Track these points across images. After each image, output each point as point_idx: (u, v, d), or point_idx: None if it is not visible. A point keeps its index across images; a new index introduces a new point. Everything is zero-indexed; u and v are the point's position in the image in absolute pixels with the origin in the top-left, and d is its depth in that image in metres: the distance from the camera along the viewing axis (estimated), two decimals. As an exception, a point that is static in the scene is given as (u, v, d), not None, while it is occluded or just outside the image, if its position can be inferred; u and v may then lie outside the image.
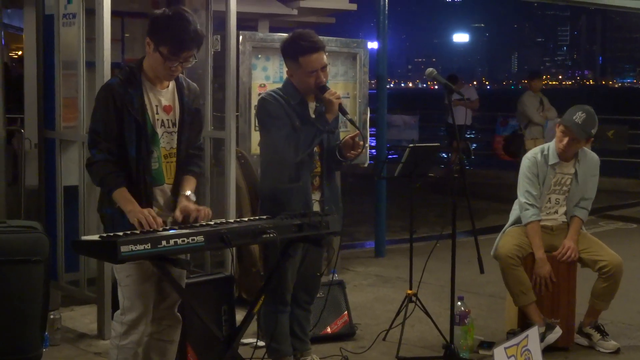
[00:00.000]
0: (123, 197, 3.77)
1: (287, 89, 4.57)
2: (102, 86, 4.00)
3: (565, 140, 5.49)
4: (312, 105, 4.59)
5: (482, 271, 4.83)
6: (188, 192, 3.95)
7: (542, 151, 5.65)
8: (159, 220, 3.72)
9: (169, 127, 3.96)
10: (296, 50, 4.47)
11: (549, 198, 5.65)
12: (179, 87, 4.02)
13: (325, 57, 4.53)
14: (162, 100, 3.95)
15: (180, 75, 4.04)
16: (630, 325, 6.13)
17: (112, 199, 3.82)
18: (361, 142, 4.51)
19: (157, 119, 3.92)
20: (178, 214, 3.89)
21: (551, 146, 5.64)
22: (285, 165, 4.46)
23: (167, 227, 3.74)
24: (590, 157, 5.73)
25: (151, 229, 3.63)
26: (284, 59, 4.63)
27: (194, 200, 3.96)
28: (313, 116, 4.56)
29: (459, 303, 5.39)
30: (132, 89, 3.84)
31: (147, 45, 3.85)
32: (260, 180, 4.84)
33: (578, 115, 5.46)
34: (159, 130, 3.93)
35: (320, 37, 4.61)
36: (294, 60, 4.48)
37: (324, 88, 4.52)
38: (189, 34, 3.80)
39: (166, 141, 3.96)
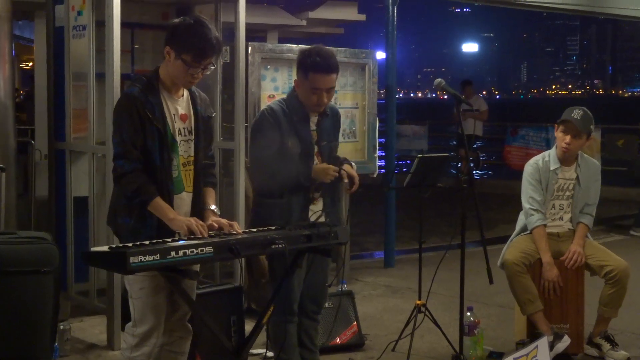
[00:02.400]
0: (161, 207, 3.79)
1: (291, 102, 4.56)
2: (122, 96, 4.02)
3: (568, 138, 5.54)
4: (313, 119, 4.60)
5: (491, 281, 4.82)
6: (213, 206, 4.03)
7: (543, 158, 5.70)
8: (205, 226, 3.78)
9: (185, 135, 3.99)
10: (308, 65, 4.45)
11: (553, 204, 5.68)
12: (192, 96, 4.05)
13: (335, 79, 4.50)
14: (179, 108, 3.98)
15: None
16: (640, 336, 6.12)
17: (130, 208, 3.84)
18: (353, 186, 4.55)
19: (176, 127, 3.95)
20: (213, 224, 3.92)
21: (551, 152, 5.69)
22: (268, 179, 4.49)
23: (177, 238, 3.75)
24: (591, 162, 5.80)
25: (200, 236, 3.69)
26: (296, 68, 4.62)
27: (219, 214, 4.03)
28: (314, 127, 4.59)
29: (469, 313, 5.38)
30: (152, 97, 3.86)
31: (167, 54, 3.87)
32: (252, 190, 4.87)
33: (575, 112, 5.57)
34: (178, 139, 3.96)
35: (329, 48, 4.61)
36: (304, 73, 4.49)
37: (343, 161, 4.63)
38: (210, 41, 3.83)
39: (184, 149, 3.99)
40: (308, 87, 4.46)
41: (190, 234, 3.71)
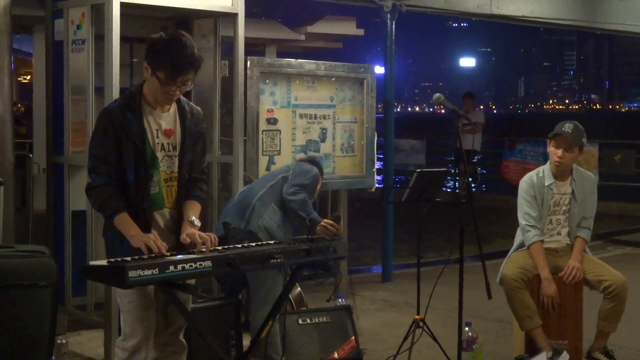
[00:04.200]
0: (124, 222, 3.77)
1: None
2: (101, 110, 4.00)
3: (560, 151, 5.54)
4: None
5: (489, 296, 4.82)
6: (192, 218, 3.94)
7: (538, 173, 5.70)
8: (164, 244, 3.72)
9: (169, 150, 3.96)
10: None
11: (550, 219, 5.67)
12: (181, 110, 4.01)
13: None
14: (163, 124, 3.95)
15: (183, 98, 4.04)
16: (639, 352, 6.09)
17: (111, 224, 3.83)
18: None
19: (157, 143, 3.91)
20: (185, 238, 3.86)
21: (545, 168, 5.69)
22: None
23: (170, 252, 3.73)
24: (587, 176, 5.80)
25: (158, 254, 3.63)
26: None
27: (199, 226, 3.94)
28: None
29: (467, 328, 5.37)
30: (130, 112, 3.85)
31: (145, 70, 3.87)
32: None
33: (566, 126, 5.56)
34: (159, 154, 3.92)
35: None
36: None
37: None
38: (185, 58, 3.80)
39: (166, 165, 3.95)
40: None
41: (149, 252, 3.65)
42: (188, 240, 3.84)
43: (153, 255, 3.62)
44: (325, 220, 4.92)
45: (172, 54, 3.78)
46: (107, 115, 3.85)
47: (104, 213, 3.82)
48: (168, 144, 3.96)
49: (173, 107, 4.00)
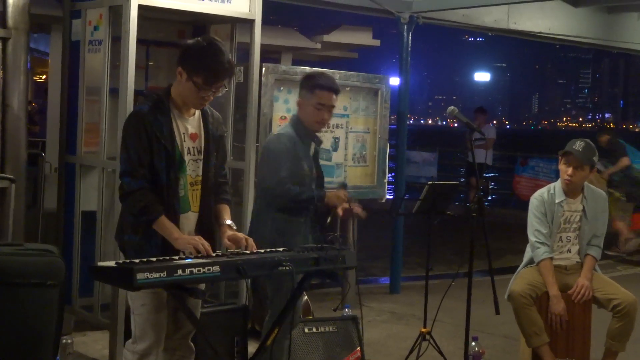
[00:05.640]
0: (166, 226, 3.79)
1: (298, 129, 4.76)
2: (131, 113, 4.01)
3: (570, 170, 5.52)
4: (312, 147, 4.82)
5: (497, 312, 4.79)
6: (229, 221, 4.03)
7: (549, 190, 5.68)
8: (210, 247, 3.76)
9: (194, 154, 3.98)
10: (315, 83, 4.72)
11: (560, 237, 5.65)
12: (204, 115, 4.04)
13: (336, 99, 4.80)
14: (189, 127, 3.97)
15: None
16: (646, 373, 6.06)
17: (136, 226, 3.83)
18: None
19: (185, 147, 3.94)
20: (227, 242, 3.93)
21: (557, 185, 5.67)
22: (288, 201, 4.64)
23: (184, 256, 3.74)
24: (598, 193, 5.78)
25: (205, 254, 3.68)
26: (300, 89, 4.85)
27: (235, 228, 4.03)
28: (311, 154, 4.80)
29: (473, 343, 5.34)
30: (161, 116, 3.85)
31: (178, 75, 3.87)
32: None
33: (577, 144, 5.54)
34: (186, 158, 3.94)
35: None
36: (310, 90, 4.71)
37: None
38: (223, 65, 3.83)
39: (192, 169, 3.97)
40: (314, 103, 4.69)
41: (197, 253, 3.70)
42: (229, 243, 3.92)
43: (198, 255, 3.67)
44: (330, 192, 4.82)
45: (211, 60, 3.81)
46: (139, 118, 3.85)
47: (144, 217, 3.80)
48: (193, 147, 3.98)
49: (197, 112, 4.02)
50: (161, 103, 3.90)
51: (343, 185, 4.95)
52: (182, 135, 3.94)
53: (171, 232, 3.78)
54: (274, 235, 4.57)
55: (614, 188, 11.05)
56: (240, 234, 3.99)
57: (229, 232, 3.97)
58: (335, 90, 4.78)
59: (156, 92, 4.00)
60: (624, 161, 10.93)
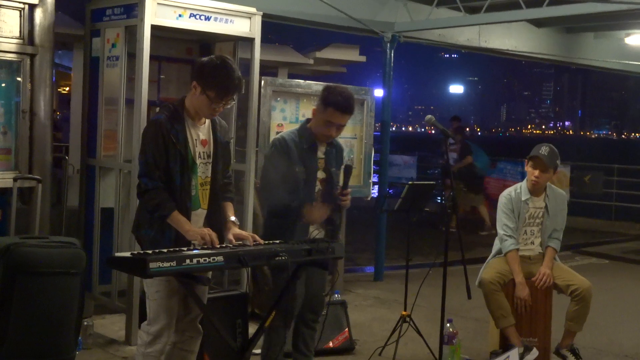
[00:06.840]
0: (179, 220, 3.80)
1: (303, 132, 4.54)
2: (150, 121, 4.02)
3: (536, 172, 5.55)
4: (322, 149, 4.57)
5: (469, 297, 4.81)
6: (233, 218, 4.05)
7: (515, 189, 5.72)
8: (217, 237, 3.78)
9: (204, 158, 4.01)
10: (331, 101, 4.42)
11: (525, 230, 5.67)
12: (213, 123, 4.07)
13: (348, 119, 4.50)
14: (200, 135, 4.00)
15: None
16: (600, 351, 6.10)
17: (152, 222, 3.85)
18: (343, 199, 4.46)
19: (197, 152, 3.96)
20: (232, 238, 3.94)
21: (522, 185, 5.70)
22: (276, 202, 4.41)
23: (192, 248, 3.74)
24: (558, 192, 5.81)
25: (211, 245, 3.70)
26: (319, 99, 4.53)
27: (238, 224, 4.05)
28: (322, 156, 4.55)
29: (448, 325, 5.35)
30: (177, 124, 3.88)
31: (193, 88, 3.89)
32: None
33: (543, 149, 5.58)
34: (198, 161, 3.97)
35: (333, 85, 4.60)
36: (324, 106, 4.43)
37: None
38: (233, 81, 3.86)
39: (202, 171, 4.00)
40: (324, 118, 4.45)
41: (204, 242, 3.72)
42: (234, 240, 3.93)
43: (204, 246, 3.69)
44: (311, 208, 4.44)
45: (223, 77, 3.83)
46: (158, 126, 3.86)
47: (159, 212, 3.81)
48: (204, 152, 4.01)
49: (207, 121, 4.05)
50: (176, 113, 3.92)
51: (347, 167, 4.55)
52: (195, 141, 3.96)
53: (183, 225, 3.80)
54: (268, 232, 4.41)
55: (459, 181, 12.05)
56: (245, 232, 4.02)
57: (234, 229, 4.00)
58: (348, 110, 4.43)
59: (172, 103, 4.01)
60: (468, 159, 12.50)
